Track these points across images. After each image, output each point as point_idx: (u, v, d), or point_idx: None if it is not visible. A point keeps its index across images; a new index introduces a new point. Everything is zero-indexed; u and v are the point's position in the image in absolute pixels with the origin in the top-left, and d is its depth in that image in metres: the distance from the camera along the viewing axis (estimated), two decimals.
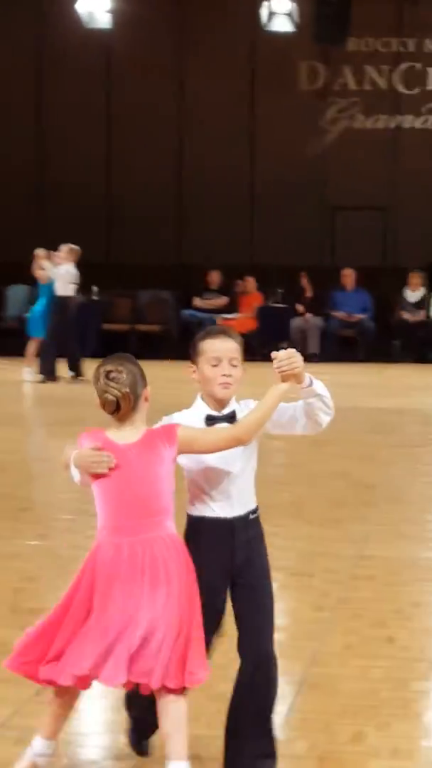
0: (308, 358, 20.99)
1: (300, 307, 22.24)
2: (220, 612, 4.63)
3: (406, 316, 22.02)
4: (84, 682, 4.45)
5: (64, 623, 4.48)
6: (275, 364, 4.52)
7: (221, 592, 4.62)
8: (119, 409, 4.47)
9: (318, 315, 22.13)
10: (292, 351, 4.54)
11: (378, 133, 24.16)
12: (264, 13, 21.83)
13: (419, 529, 9.26)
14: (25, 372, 18.86)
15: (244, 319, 22.27)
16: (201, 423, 4.62)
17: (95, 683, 4.47)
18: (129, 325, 22.69)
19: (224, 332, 4.72)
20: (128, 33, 23.00)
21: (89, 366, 21.17)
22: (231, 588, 4.66)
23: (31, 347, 19.15)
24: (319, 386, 4.60)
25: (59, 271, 18.53)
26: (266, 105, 23.92)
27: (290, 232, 23.50)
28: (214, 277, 22.57)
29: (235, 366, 4.62)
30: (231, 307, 22.34)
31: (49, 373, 18.64)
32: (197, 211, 23.78)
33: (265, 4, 21.88)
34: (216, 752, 4.70)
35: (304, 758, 5.11)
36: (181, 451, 4.52)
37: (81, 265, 18.82)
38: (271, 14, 21.88)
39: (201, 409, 4.66)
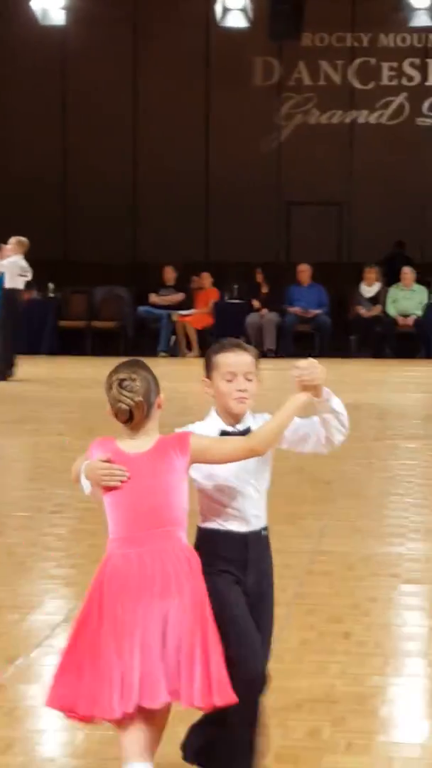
0: (264, 354, 21.18)
1: (256, 303, 22.24)
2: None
3: (362, 311, 22.07)
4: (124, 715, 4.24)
5: (86, 650, 4.28)
6: (296, 372, 4.37)
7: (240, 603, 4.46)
8: (132, 418, 4.33)
9: (274, 311, 22.14)
10: (314, 361, 4.40)
11: (333, 129, 24.21)
12: (218, 8, 21.82)
13: (376, 525, 9.27)
14: None
15: (200, 315, 22.27)
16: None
17: None
18: (85, 322, 22.64)
19: (239, 345, 4.57)
20: (83, 30, 22.94)
21: (44, 363, 21.16)
22: None
23: None
24: (336, 403, 4.47)
25: (6, 263, 18.39)
26: (221, 101, 23.92)
27: (246, 227, 23.51)
28: (170, 274, 22.53)
29: (250, 380, 4.50)
30: (187, 303, 22.31)
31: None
32: (153, 207, 23.76)
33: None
34: None
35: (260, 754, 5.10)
36: (194, 461, 4.36)
37: (37, 262, 18.77)
38: (225, 10, 21.87)
39: (215, 423, 4.53)
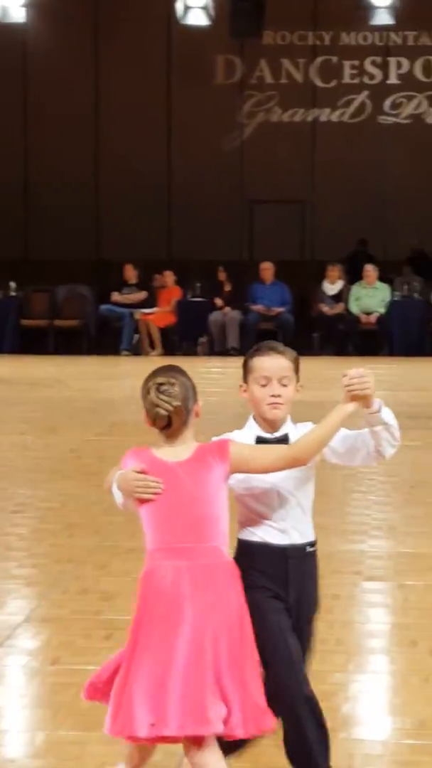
0: (227, 352, 21.18)
1: (219, 301, 22.22)
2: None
3: (325, 308, 22.08)
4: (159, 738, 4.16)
5: (136, 666, 4.15)
6: (345, 381, 4.23)
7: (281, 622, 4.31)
8: (170, 424, 4.19)
9: (237, 308, 22.11)
10: (363, 371, 4.24)
11: (295, 127, 24.24)
12: (180, 6, 21.80)
13: (338, 522, 9.25)
14: None
15: (163, 313, 22.23)
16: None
17: None
18: (47, 321, 22.57)
19: (275, 349, 4.42)
20: (43, 27, 22.85)
21: (6, 362, 21.07)
22: None
23: None
24: (387, 414, 4.30)
25: None
26: (183, 99, 23.90)
27: (208, 226, 23.50)
28: (132, 272, 22.48)
29: (285, 385, 4.35)
30: (150, 302, 22.27)
31: None
32: (115, 206, 23.71)
33: None
34: None
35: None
36: (234, 470, 4.21)
37: None
38: (187, 8, 21.86)
39: (253, 430, 4.39)
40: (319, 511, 9.72)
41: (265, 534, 4.35)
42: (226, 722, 4.05)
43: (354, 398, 4.21)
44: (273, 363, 4.37)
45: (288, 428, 4.39)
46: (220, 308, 22.20)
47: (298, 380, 4.42)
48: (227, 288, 22.34)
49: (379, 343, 21.68)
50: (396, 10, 22.22)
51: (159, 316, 22.20)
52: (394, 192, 23.42)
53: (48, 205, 23.64)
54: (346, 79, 24.26)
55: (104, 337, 22.27)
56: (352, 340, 21.78)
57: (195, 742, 4.10)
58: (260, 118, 24.33)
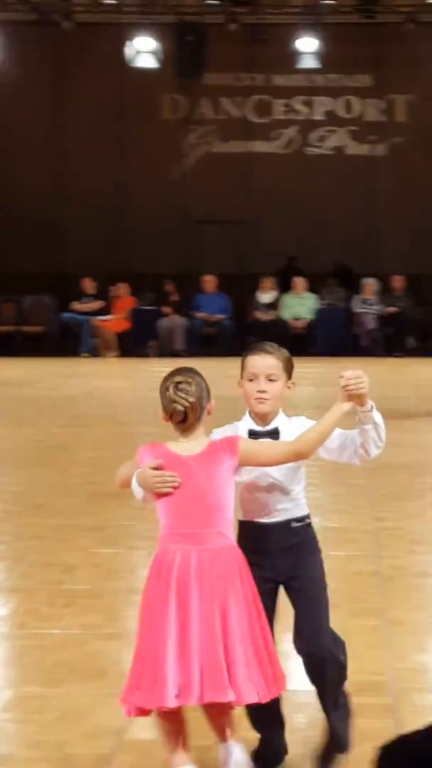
0: (176, 354, 21.15)
1: (166, 309, 22.19)
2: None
3: (260, 315, 22.12)
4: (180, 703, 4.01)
5: (153, 641, 4.02)
6: (342, 382, 4.10)
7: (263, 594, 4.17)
8: (186, 419, 4.09)
9: (183, 316, 22.10)
10: (359, 372, 4.11)
11: (233, 157, 24.22)
12: (131, 51, 21.71)
13: None
14: None
15: (118, 320, 22.18)
16: (245, 437, 4.25)
17: None
18: (14, 327, 22.48)
19: (264, 349, 4.31)
20: (5, 69, 22.60)
21: None
22: (285, 590, 4.31)
23: None
24: (377, 415, 4.18)
25: None
26: (135, 131, 23.82)
27: (158, 243, 23.46)
28: (89, 284, 22.44)
29: (272, 381, 4.23)
30: (106, 310, 22.23)
31: None
32: (76, 224, 23.58)
33: (132, 43, 21.76)
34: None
35: None
36: (242, 463, 4.12)
37: None
38: (138, 52, 21.78)
39: (246, 423, 4.29)
40: None
41: (253, 514, 4.26)
42: (241, 689, 3.95)
43: (350, 397, 4.09)
44: (261, 361, 4.27)
45: (279, 422, 4.28)
46: (169, 315, 22.18)
47: (289, 378, 4.31)
48: (174, 298, 22.32)
49: (307, 345, 21.70)
50: (320, 56, 22.28)
51: (114, 322, 22.14)
52: (319, 214, 23.46)
53: (13, 227, 23.45)
54: (278, 115, 24.26)
55: (66, 341, 22.18)
56: (283, 342, 21.67)
57: (216, 709, 4.05)
58: (203, 149, 24.29)
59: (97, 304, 22.24)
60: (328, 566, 4.40)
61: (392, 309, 21.95)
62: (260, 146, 24.26)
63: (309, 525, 4.33)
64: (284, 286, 22.47)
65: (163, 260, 23.24)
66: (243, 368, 4.30)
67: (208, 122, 24.27)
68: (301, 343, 21.04)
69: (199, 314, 22.07)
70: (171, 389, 4.10)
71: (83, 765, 4.31)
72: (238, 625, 3.99)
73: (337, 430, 4.20)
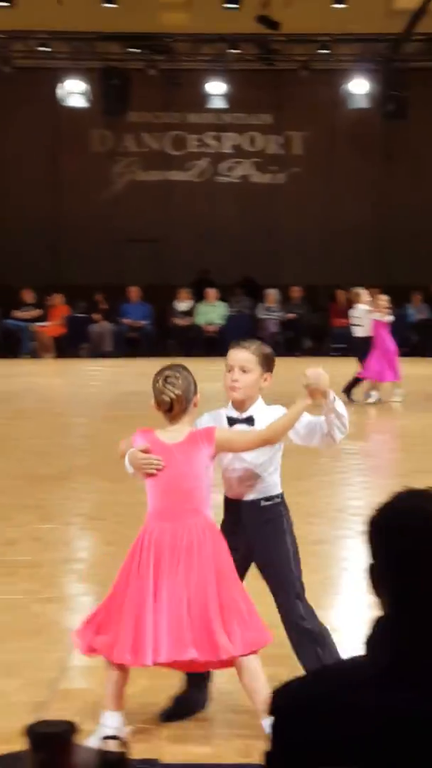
0: (104, 355, 21.07)
1: (97, 316, 22.11)
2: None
3: (177, 321, 22.13)
4: (144, 662, 3.95)
5: (127, 602, 3.98)
6: (304, 381, 4.03)
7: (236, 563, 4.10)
8: (172, 409, 4.07)
9: (111, 322, 22.03)
10: (320, 370, 4.05)
11: (154, 184, 24.18)
12: (62, 92, 21.57)
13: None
14: None
15: (54, 326, 22.03)
16: (224, 422, 4.20)
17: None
18: None
19: (241, 344, 4.27)
20: None
21: None
22: (255, 565, 4.25)
23: None
24: (339, 405, 4.10)
25: None
26: (69, 162, 23.67)
27: (89, 258, 23.34)
28: (29, 295, 22.27)
29: (245, 372, 4.17)
30: (43, 317, 22.08)
31: None
32: (17, 242, 23.35)
33: (64, 85, 21.61)
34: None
35: (96, 658, 5.05)
36: (219, 450, 4.08)
37: None
38: (70, 93, 21.65)
39: (226, 410, 4.24)
40: None
41: (229, 493, 4.26)
42: (204, 647, 3.92)
43: (311, 393, 4.04)
44: (236, 354, 4.22)
45: (256, 410, 4.21)
46: (98, 322, 22.10)
47: (265, 371, 4.22)
48: (103, 306, 22.24)
49: (218, 347, 21.72)
50: (228, 97, 22.34)
51: (51, 328, 21.99)
52: (228, 233, 23.53)
53: None
54: (192, 149, 24.27)
55: (9, 344, 21.98)
56: (198, 345, 21.84)
57: (190, 666, 4.04)
58: (127, 177, 24.21)
59: (35, 312, 22.08)
60: None
61: (291, 315, 22.12)
62: (177, 175, 24.26)
63: (278, 504, 4.25)
64: (198, 296, 22.51)
65: (93, 273, 23.14)
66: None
67: (132, 154, 24.20)
68: (213, 345, 21.10)
69: (125, 320, 22.01)
70: (160, 382, 4.09)
71: (23, 712, 4.30)
72: (207, 590, 3.95)
73: (307, 418, 4.15)
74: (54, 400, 15.80)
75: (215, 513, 4.21)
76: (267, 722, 3.90)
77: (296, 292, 22.58)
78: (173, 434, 4.09)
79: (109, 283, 23.01)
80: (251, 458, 4.19)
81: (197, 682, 4.37)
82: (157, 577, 3.97)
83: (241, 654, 3.96)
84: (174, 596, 3.94)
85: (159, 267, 23.79)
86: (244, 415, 4.19)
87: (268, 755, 2.09)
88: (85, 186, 23.59)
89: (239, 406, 4.21)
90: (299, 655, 4.24)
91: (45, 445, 11.27)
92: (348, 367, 14.71)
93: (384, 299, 14.87)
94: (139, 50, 21.58)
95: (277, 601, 4.25)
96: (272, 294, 22.36)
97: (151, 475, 4.06)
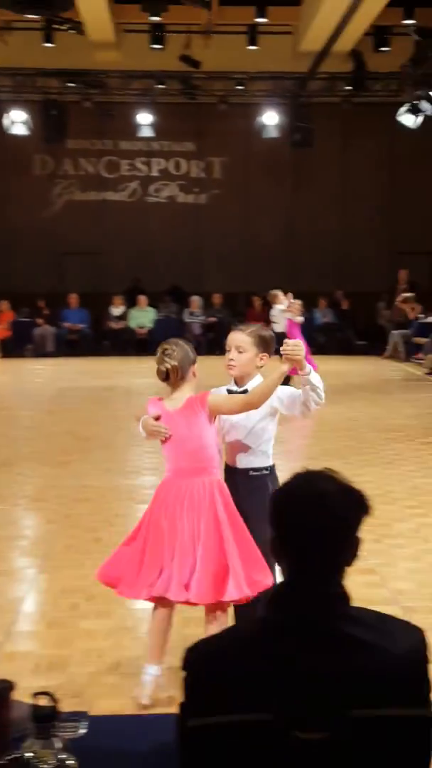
0: (47, 355, 20.89)
1: (40, 321, 21.90)
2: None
3: (112, 325, 22.02)
4: (158, 597, 3.93)
5: (143, 547, 3.97)
6: (282, 349, 3.88)
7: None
8: (168, 377, 4.05)
9: (52, 326, 21.84)
10: (298, 341, 3.90)
11: (90, 204, 24.03)
12: (7, 122, 21.30)
13: (121, 466, 9.26)
14: None
15: (1, 329, 21.76)
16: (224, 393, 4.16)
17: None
18: None
19: (238, 327, 4.21)
20: None
21: None
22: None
23: None
24: (314, 377, 3.98)
25: None
26: (12, 184, 23.41)
27: (33, 269, 23.15)
28: None
29: (241, 352, 4.11)
30: None
31: None
32: None
33: (8, 115, 21.33)
34: None
35: (38, 623, 5.03)
36: (212, 412, 4.04)
37: None
38: (13, 122, 21.35)
39: (230, 386, 4.20)
40: (107, 460, 9.72)
41: (227, 460, 4.21)
42: (203, 591, 3.89)
43: (288, 360, 3.89)
44: (233, 336, 4.19)
45: (253, 384, 4.14)
46: (41, 325, 21.89)
47: (261, 351, 4.16)
48: (45, 312, 22.03)
49: (148, 347, 21.71)
50: (155, 127, 22.27)
51: None
52: (157, 247, 23.50)
53: None
54: (124, 172, 24.16)
55: None
56: (130, 345, 21.79)
57: (216, 608, 3.98)
58: (66, 197, 24.01)
59: None
60: None
61: (213, 319, 22.16)
62: (111, 195, 24.13)
63: (265, 476, 4.15)
64: (131, 302, 22.42)
65: (36, 282, 22.94)
66: None
67: (70, 177, 24.00)
68: (143, 345, 21.07)
69: (65, 324, 21.85)
70: (159, 354, 4.09)
71: None
72: (213, 539, 3.92)
73: (290, 390, 4.12)
74: (1, 395, 15.62)
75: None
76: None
77: (217, 298, 22.65)
78: (174, 402, 4.09)
79: (51, 290, 22.84)
80: (243, 431, 4.15)
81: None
82: (173, 527, 3.97)
83: (248, 596, 3.91)
84: (184, 544, 3.94)
85: (96, 277, 23.66)
86: (241, 388, 4.18)
87: (182, 705, 2.11)
88: (29, 205, 23.37)
89: (238, 381, 4.19)
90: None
91: None
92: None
93: (296, 302, 14.97)
94: (75, 85, 21.40)
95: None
96: (196, 300, 22.40)
97: (162, 441, 4.07)
